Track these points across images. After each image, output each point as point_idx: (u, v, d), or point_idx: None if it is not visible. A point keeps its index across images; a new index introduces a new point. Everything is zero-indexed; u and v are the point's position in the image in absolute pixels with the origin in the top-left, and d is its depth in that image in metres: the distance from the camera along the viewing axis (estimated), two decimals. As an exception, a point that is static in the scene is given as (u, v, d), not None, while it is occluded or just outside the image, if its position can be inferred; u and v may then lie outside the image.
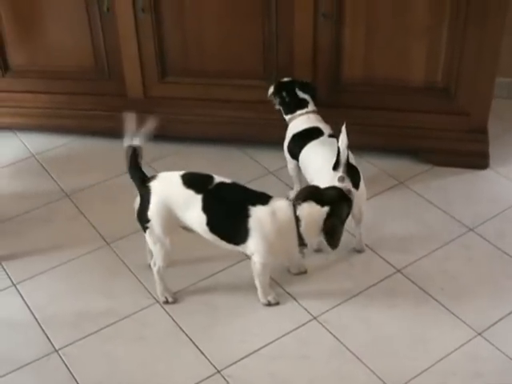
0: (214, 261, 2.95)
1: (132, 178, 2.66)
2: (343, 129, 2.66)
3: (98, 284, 2.90)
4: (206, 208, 2.57)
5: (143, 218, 2.63)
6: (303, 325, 2.69)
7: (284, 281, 2.87)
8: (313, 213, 2.55)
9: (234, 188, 2.66)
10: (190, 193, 2.58)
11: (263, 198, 2.60)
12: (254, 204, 2.57)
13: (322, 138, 2.99)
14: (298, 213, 2.55)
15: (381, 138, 3.45)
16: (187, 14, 3.37)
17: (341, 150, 2.68)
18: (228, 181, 2.64)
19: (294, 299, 2.80)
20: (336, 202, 2.57)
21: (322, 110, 3.23)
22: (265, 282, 2.73)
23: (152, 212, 2.60)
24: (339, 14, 3.22)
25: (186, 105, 3.59)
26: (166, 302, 2.78)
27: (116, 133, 3.64)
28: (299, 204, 2.56)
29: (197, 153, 3.62)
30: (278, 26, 3.30)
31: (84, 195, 3.39)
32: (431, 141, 3.45)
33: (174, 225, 2.65)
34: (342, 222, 2.61)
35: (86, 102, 3.67)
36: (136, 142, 2.66)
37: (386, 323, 2.70)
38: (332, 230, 2.57)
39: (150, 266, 2.81)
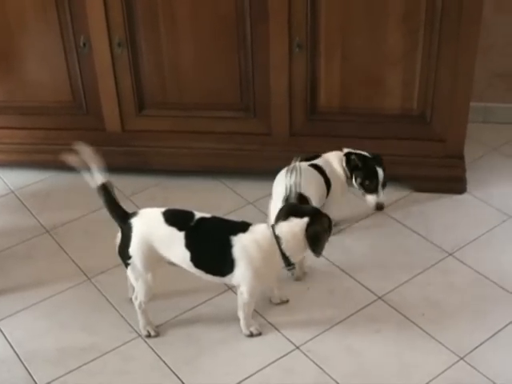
0: (195, 293, 2.95)
1: (111, 215, 2.65)
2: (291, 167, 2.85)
3: (79, 319, 2.89)
4: (189, 245, 2.58)
5: (124, 255, 2.63)
6: (286, 355, 2.69)
7: (265, 311, 2.87)
8: (292, 226, 2.55)
9: (214, 222, 2.66)
10: (172, 230, 2.59)
11: (243, 226, 2.62)
12: (235, 233, 2.57)
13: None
14: (276, 232, 2.56)
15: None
16: (164, 48, 3.39)
17: (287, 186, 2.79)
18: (208, 215, 2.65)
19: (276, 329, 2.79)
20: (315, 214, 2.60)
21: (299, 140, 3.26)
22: (249, 312, 2.73)
23: (133, 249, 2.60)
24: (314, 44, 3.26)
25: (165, 137, 3.60)
26: (149, 336, 2.78)
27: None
28: (278, 224, 2.58)
29: (176, 185, 3.63)
30: (254, 58, 3.33)
31: (64, 230, 3.38)
32: (409, 167, 3.48)
33: (156, 261, 2.64)
34: (325, 230, 2.59)
35: (64, 137, 3.65)
36: (102, 177, 2.64)
37: (368, 350, 2.70)
38: (314, 236, 2.56)
39: (131, 299, 2.81)
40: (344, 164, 3.08)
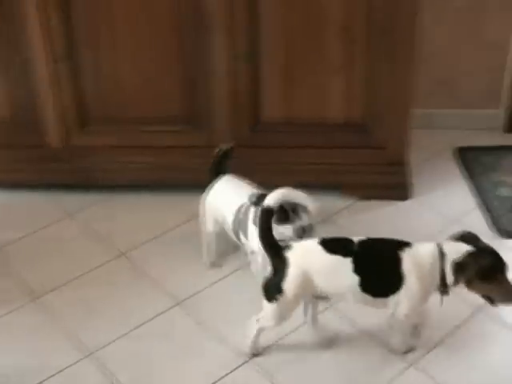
0: (143, 309, 2.92)
1: (264, 245, 2.52)
2: None
3: (26, 341, 2.84)
4: (358, 268, 2.48)
5: (274, 289, 2.52)
6: (238, 367, 2.69)
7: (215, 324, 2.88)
8: (458, 249, 2.47)
9: (376, 241, 2.59)
10: (337, 258, 2.50)
11: (407, 243, 2.56)
12: (402, 249, 2.51)
13: None
14: (444, 248, 2.49)
15: (303, 175, 3.46)
16: (104, 62, 3.37)
17: None
18: (362, 237, 2.57)
19: (223, 344, 2.80)
20: (484, 249, 2.49)
21: (243, 152, 3.27)
22: (407, 331, 2.70)
23: (289, 284, 2.49)
24: (256, 55, 3.27)
25: (109, 153, 3.58)
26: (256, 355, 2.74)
27: (38, 185, 3.64)
28: (447, 242, 2.54)
29: (123, 200, 3.60)
30: (196, 70, 3.32)
31: (11, 249, 3.32)
32: (353, 175, 3.51)
33: (308, 294, 2.59)
34: (475, 267, 2.44)
35: (6, 154, 3.62)
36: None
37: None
38: (461, 264, 2.45)
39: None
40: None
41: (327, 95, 3.36)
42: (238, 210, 2.85)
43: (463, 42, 3.95)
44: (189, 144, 3.48)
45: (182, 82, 3.39)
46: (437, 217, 3.45)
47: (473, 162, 3.86)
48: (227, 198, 2.94)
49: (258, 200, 2.64)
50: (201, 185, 3.10)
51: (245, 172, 3.19)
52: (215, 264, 3.16)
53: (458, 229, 3.24)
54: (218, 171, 3.01)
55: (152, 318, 2.89)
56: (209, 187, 3.01)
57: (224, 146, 3.00)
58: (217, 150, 3.00)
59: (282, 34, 3.24)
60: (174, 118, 3.47)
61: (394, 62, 3.22)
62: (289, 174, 3.43)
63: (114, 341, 2.80)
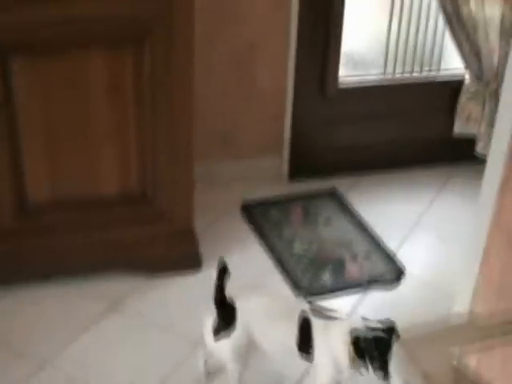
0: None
1: None
2: None
3: None
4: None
5: None
6: None
7: None
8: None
9: None
10: None
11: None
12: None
13: None
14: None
15: (83, 259, 3.21)
16: None
17: None
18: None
19: None
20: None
21: (11, 240, 3.05)
22: None
23: None
24: (13, 133, 2.94)
25: None
26: None
27: None
28: None
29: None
30: None
31: None
32: (139, 251, 3.28)
33: None
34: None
35: None
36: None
37: None
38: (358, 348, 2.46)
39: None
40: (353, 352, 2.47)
41: (99, 168, 3.11)
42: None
43: (236, 93, 3.91)
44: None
45: None
46: (234, 283, 3.23)
47: (261, 218, 3.76)
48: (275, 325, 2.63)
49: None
50: None
51: (17, 264, 3.00)
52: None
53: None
54: (223, 298, 2.70)
55: None
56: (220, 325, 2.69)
57: (215, 270, 2.64)
58: (214, 274, 2.63)
59: (41, 107, 2.95)
60: None
61: (171, 124, 3.07)
62: (66, 260, 3.19)
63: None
